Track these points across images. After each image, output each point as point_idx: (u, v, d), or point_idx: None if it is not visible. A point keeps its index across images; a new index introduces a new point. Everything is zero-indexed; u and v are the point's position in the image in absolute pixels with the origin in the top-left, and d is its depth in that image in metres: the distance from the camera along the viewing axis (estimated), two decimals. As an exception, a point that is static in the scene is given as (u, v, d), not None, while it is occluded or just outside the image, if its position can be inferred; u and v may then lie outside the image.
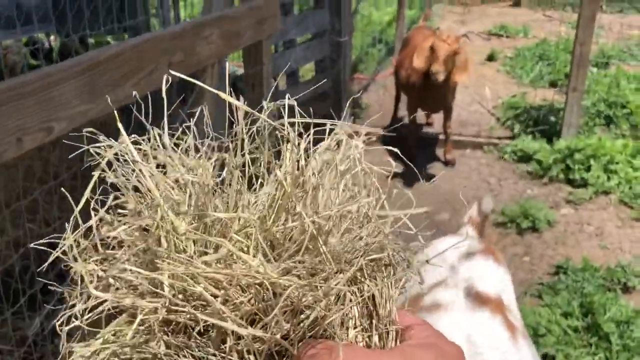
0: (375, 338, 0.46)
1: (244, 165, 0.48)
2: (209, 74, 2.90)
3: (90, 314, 0.45)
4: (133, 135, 0.45)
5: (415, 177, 4.24)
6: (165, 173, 0.45)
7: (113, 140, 0.44)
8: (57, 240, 0.45)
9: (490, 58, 6.40)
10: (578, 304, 2.68)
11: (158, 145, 0.46)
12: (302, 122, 0.47)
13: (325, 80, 4.42)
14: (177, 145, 0.47)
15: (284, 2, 3.81)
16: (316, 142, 0.47)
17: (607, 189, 3.78)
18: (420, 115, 4.73)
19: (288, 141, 0.46)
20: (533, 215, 3.47)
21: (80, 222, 0.45)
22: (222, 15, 2.46)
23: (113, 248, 0.47)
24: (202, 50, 2.29)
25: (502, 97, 5.35)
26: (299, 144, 0.46)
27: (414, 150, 4.45)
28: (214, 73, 2.95)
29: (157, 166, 0.45)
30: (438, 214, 3.79)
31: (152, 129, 0.47)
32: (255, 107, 2.02)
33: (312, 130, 0.46)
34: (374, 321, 0.46)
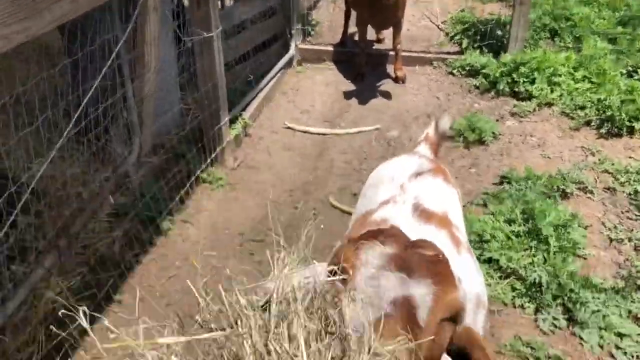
0: None
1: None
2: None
3: None
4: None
5: (366, 94, 4.26)
6: None
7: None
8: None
9: (439, -28, 6.28)
10: (520, 210, 2.83)
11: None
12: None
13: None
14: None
15: None
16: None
17: (550, 100, 3.91)
18: (371, 32, 4.68)
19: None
20: (480, 128, 3.57)
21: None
22: None
23: None
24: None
25: (451, 12, 5.33)
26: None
27: (364, 67, 4.44)
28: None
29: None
30: (388, 131, 3.85)
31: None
32: (201, 25, 1.96)
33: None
34: None
